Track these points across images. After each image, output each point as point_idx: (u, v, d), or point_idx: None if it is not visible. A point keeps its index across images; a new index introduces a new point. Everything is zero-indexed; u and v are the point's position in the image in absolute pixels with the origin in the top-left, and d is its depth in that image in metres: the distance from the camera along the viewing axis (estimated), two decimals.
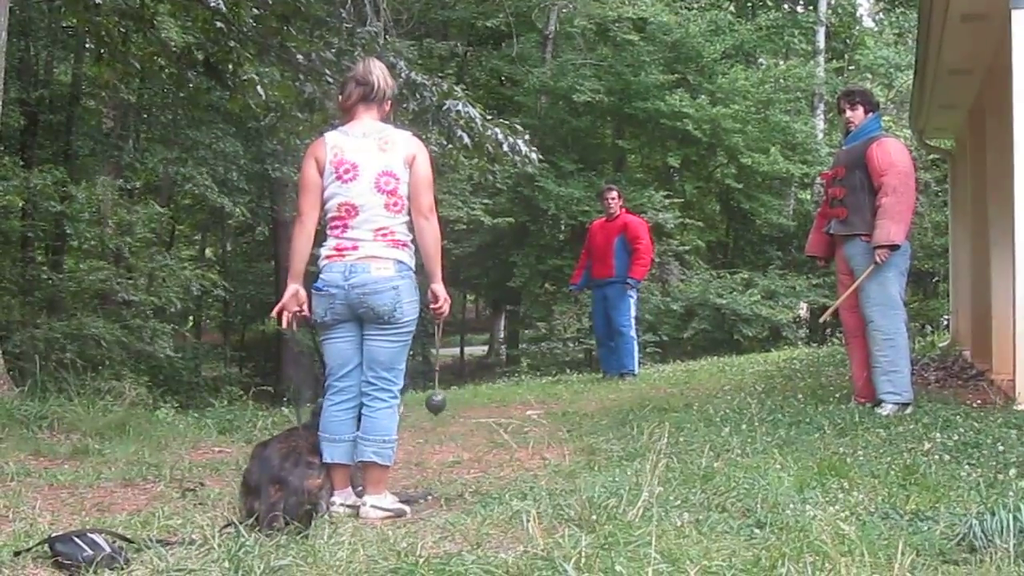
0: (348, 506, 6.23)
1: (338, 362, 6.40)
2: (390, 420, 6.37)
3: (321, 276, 6.29)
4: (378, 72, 6.49)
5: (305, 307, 6.39)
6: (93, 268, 20.89)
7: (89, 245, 22.51)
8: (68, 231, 21.66)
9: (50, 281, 20.21)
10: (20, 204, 20.33)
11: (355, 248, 6.23)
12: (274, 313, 6.50)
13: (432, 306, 6.53)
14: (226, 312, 34.00)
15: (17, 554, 5.14)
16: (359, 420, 6.39)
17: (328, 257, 6.30)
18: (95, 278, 20.29)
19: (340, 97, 6.57)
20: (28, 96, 22.65)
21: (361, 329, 6.34)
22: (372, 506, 6.24)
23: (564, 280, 25.87)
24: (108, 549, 5.00)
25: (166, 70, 17.61)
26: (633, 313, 15.30)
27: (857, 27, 41.35)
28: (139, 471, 7.84)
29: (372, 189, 6.22)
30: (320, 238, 6.46)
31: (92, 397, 11.42)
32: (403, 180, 6.27)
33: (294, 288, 6.38)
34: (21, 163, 20.47)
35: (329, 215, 6.31)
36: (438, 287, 6.49)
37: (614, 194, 15.55)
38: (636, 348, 15.58)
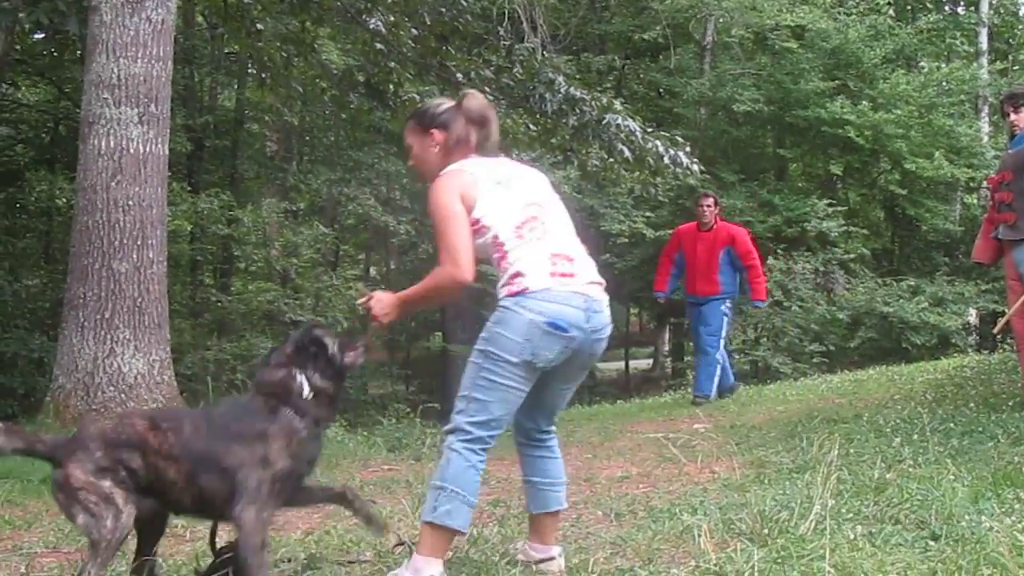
0: None
1: None
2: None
3: None
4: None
5: None
6: (260, 289, 21.25)
7: (256, 267, 22.94)
8: (235, 253, 22.09)
9: (219, 303, 20.56)
10: (189, 228, 20.77)
11: None
12: None
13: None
14: (391, 330, 34.29)
15: (197, 574, 5.24)
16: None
17: None
18: (263, 299, 20.61)
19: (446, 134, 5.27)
20: (194, 122, 23.10)
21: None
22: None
23: None
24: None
25: (327, 92, 17.87)
26: (724, 332, 14.35)
27: (1020, 27, 40.41)
28: None
29: None
30: None
31: None
32: None
33: None
34: (188, 188, 20.90)
35: None
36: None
37: (710, 201, 14.51)
38: (718, 371, 14.36)
